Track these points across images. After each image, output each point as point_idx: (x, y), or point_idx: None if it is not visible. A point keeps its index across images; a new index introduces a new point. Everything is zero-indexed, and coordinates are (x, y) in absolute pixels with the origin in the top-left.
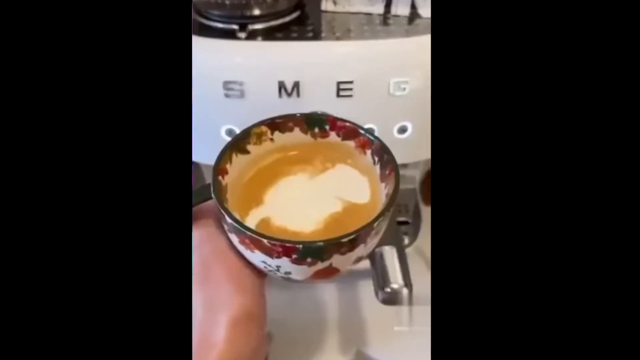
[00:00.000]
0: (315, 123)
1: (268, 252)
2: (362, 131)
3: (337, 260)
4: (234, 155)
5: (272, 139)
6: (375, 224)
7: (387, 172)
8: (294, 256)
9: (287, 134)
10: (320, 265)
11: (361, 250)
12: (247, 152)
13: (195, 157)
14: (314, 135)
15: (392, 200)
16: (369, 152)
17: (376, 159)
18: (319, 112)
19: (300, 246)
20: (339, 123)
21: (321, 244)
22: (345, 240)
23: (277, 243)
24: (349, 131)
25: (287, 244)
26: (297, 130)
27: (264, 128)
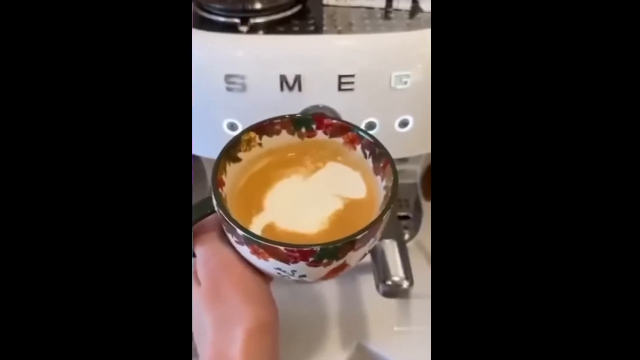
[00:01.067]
0: (302, 123)
1: (284, 258)
2: (351, 127)
3: (350, 257)
4: (227, 165)
5: (260, 144)
6: (385, 217)
7: (382, 165)
8: (311, 259)
9: (275, 137)
10: (335, 264)
11: (371, 243)
12: (238, 159)
13: (197, 151)
14: (301, 136)
15: (395, 191)
16: (358, 147)
17: (367, 152)
18: (321, 106)
19: (318, 249)
20: (326, 121)
21: (338, 244)
22: (359, 237)
23: (295, 249)
24: (337, 128)
25: (305, 249)
26: (284, 132)
27: (252, 134)
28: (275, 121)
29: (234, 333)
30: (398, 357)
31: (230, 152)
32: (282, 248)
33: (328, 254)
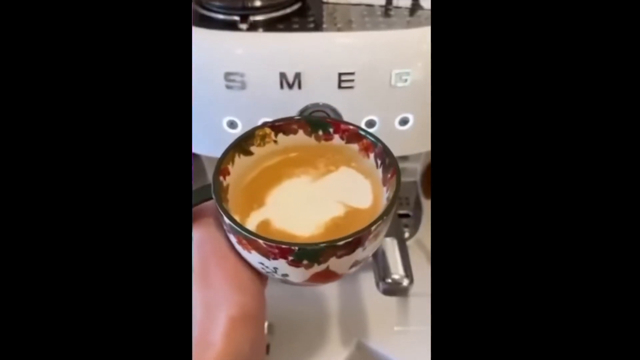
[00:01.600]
0: (319, 126)
1: (265, 253)
2: (365, 134)
3: (334, 263)
4: (236, 156)
5: (275, 141)
6: (373, 228)
7: (389, 175)
8: (290, 258)
9: (291, 136)
10: (317, 268)
11: (359, 254)
12: (250, 153)
13: (197, 149)
14: (318, 138)
15: (392, 204)
16: (372, 155)
17: (379, 162)
18: (321, 104)
19: (296, 248)
20: (343, 126)
21: (317, 246)
22: (341, 243)
23: (273, 244)
24: (353, 134)
25: (283, 246)
26: (301, 132)
27: (267, 130)
28: (293, 121)
29: (218, 318)
30: (398, 355)
31: (242, 144)
32: (261, 242)
33: (307, 255)
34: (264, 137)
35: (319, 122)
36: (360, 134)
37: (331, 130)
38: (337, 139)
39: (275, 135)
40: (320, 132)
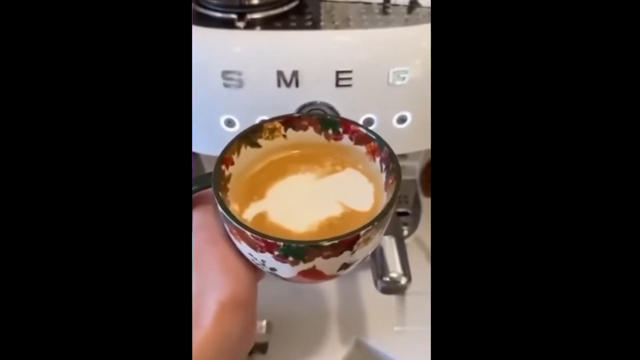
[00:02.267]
0: (329, 124)
1: (252, 245)
2: (373, 137)
3: (320, 263)
4: (242, 147)
5: (285, 136)
6: (362, 233)
7: (390, 181)
8: (276, 253)
9: (301, 133)
10: (303, 266)
11: (347, 257)
12: (257, 145)
13: (195, 148)
14: (327, 137)
15: (386, 211)
16: (378, 159)
17: (383, 166)
18: (319, 102)
19: (281, 244)
20: (352, 127)
21: (301, 244)
22: (326, 244)
23: (259, 237)
24: (361, 136)
25: (269, 240)
26: (311, 129)
27: (277, 124)
28: (303, 117)
29: (209, 302)
30: (397, 353)
31: (249, 136)
32: (248, 233)
33: (291, 252)
34: (273, 131)
35: (330, 120)
36: (369, 136)
37: (341, 130)
38: (346, 139)
39: (285, 130)
40: (330, 131)
